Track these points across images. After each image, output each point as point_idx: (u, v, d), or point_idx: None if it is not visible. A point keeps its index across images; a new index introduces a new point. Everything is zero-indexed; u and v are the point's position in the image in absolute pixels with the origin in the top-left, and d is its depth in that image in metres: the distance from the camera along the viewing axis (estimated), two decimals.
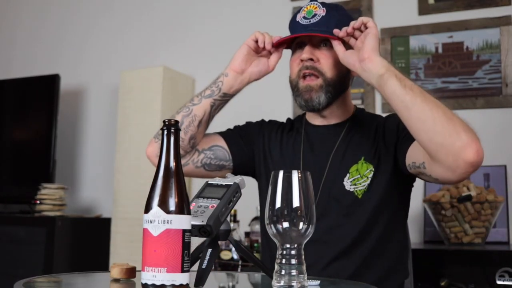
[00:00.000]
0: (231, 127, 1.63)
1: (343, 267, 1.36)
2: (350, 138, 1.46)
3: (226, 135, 1.59)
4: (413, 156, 1.33)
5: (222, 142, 1.56)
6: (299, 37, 1.46)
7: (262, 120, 1.65)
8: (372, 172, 1.40)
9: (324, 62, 1.43)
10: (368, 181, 1.39)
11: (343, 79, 1.46)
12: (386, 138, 1.42)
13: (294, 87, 1.47)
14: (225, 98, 1.51)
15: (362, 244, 1.39)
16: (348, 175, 1.41)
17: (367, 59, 1.30)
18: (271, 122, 1.63)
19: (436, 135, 1.19)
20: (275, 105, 2.74)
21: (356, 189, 1.40)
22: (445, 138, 1.18)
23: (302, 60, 1.44)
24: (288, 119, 1.64)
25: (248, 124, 1.64)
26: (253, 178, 1.60)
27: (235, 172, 1.57)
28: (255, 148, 1.57)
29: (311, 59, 1.42)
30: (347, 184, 1.41)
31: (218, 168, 1.56)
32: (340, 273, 1.35)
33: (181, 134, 1.48)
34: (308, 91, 1.43)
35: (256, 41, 1.48)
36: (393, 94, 1.25)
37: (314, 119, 1.54)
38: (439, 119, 1.19)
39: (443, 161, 1.20)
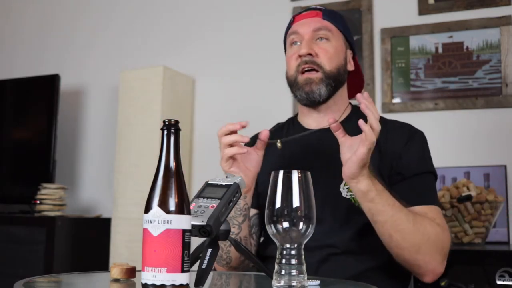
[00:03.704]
0: None
1: (339, 272, 1.32)
2: None
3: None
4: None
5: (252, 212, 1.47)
6: (295, 34, 1.47)
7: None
8: None
9: (323, 55, 1.42)
10: None
11: (341, 71, 1.46)
12: (388, 152, 1.39)
13: (293, 82, 1.45)
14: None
15: (358, 251, 1.35)
16: (343, 181, 1.35)
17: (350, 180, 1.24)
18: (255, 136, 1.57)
19: (402, 256, 1.30)
20: (275, 105, 2.73)
21: (352, 196, 1.35)
22: (410, 264, 1.31)
23: (300, 56, 1.43)
24: (277, 124, 1.60)
25: None
26: None
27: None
28: None
29: (310, 54, 1.42)
30: (344, 191, 1.37)
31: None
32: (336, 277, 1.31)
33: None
34: (308, 83, 1.42)
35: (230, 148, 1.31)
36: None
37: (308, 118, 1.51)
38: (403, 243, 1.27)
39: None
